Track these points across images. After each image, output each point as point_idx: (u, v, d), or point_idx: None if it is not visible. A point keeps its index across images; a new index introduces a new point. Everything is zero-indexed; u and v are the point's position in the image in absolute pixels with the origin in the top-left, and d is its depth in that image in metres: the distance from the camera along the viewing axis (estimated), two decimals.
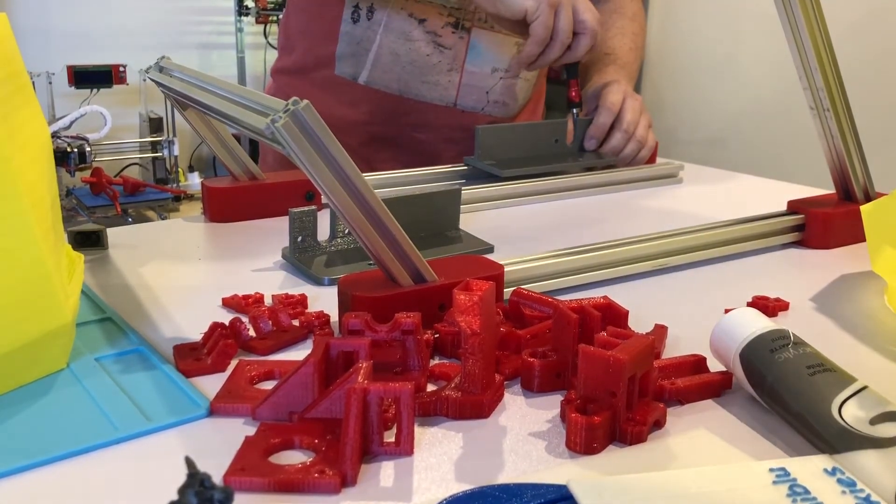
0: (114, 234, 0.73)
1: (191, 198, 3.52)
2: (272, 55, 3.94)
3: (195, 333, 0.53)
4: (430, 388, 0.47)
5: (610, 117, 0.99)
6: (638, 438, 0.42)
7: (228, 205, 0.79)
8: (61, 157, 2.76)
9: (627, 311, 0.53)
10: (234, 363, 0.49)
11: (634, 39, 1.12)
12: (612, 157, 0.99)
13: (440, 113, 1.02)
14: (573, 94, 1.00)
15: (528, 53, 0.91)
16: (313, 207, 0.67)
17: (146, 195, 3.08)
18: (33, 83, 0.57)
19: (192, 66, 0.66)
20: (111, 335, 0.53)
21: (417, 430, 0.43)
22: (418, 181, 0.91)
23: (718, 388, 0.47)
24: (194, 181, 3.69)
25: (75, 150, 2.77)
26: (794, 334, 0.45)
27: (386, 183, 0.89)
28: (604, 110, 0.99)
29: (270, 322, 0.54)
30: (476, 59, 1.00)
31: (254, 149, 2.84)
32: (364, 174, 0.50)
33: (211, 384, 0.47)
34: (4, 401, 0.45)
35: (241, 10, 3.80)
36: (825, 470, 0.38)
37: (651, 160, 1.03)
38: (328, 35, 1.00)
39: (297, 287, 0.62)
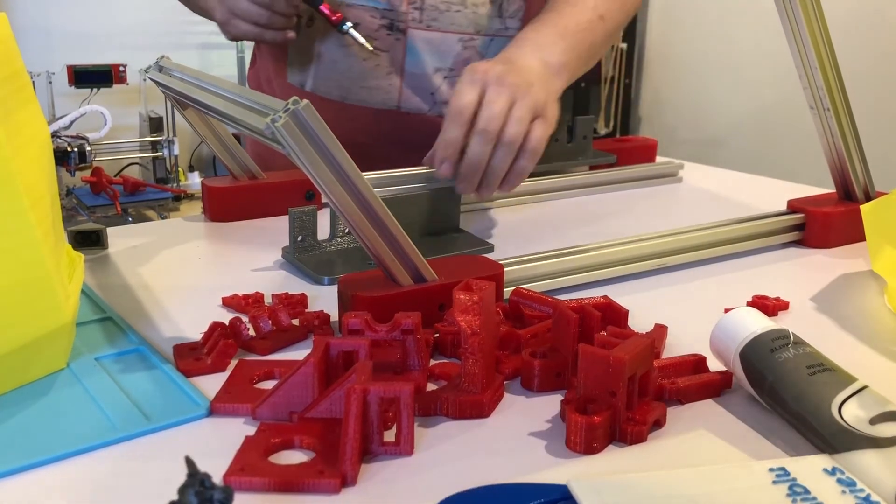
0: (114, 234, 0.73)
1: (191, 198, 3.52)
2: None
3: (195, 333, 0.53)
4: (430, 388, 0.47)
5: (458, 127, 0.69)
6: (638, 438, 0.42)
7: (228, 205, 0.79)
8: (61, 157, 2.76)
9: (627, 311, 0.53)
10: (234, 363, 0.50)
11: (596, 10, 0.86)
12: (466, 181, 0.70)
13: (384, 117, 0.98)
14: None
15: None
16: (313, 207, 0.67)
17: (146, 195, 3.07)
18: (33, 83, 0.57)
19: (192, 66, 0.66)
20: (111, 335, 0.53)
21: (417, 430, 0.43)
22: (418, 181, 0.91)
23: (718, 388, 0.47)
24: (194, 181, 3.68)
25: (75, 149, 2.77)
26: (794, 334, 0.45)
27: (386, 183, 0.89)
28: (448, 117, 0.70)
29: (270, 322, 0.54)
30: (415, 60, 0.95)
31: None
32: (364, 174, 0.50)
33: (211, 384, 0.47)
34: (4, 401, 0.45)
35: None
36: (825, 470, 0.38)
37: (651, 159, 1.03)
38: (282, 43, 0.97)
39: (297, 287, 0.62)
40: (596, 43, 0.87)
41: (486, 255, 0.60)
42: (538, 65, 0.77)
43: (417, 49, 0.94)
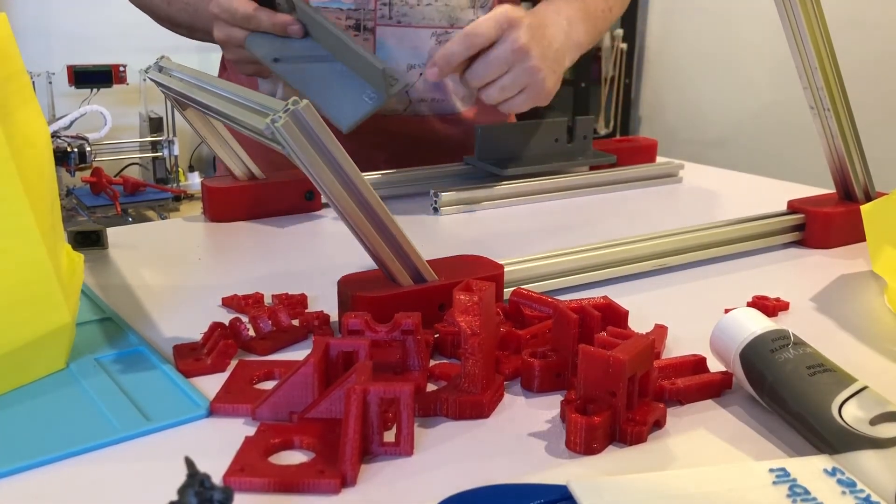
0: (114, 234, 0.73)
1: (191, 198, 3.52)
2: None
3: (195, 333, 0.53)
4: (430, 388, 0.47)
5: (465, 49, 0.78)
6: (638, 438, 0.42)
7: (228, 205, 0.79)
8: (61, 157, 2.75)
9: (627, 311, 0.53)
10: (234, 363, 0.50)
11: None
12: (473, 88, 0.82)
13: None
14: None
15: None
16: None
17: (146, 195, 3.07)
18: (33, 83, 0.57)
19: (191, 67, 0.66)
20: (111, 335, 0.53)
21: (417, 430, 0.43)
22: (418, 181, 0.91)
23: (718, 388, 0.47)
24: (194, 181, 3.68)
25: (75, 150, 2.76)
26: (794, 334, 0.45)
27: (386, 182, 0.89)
28: (462, 34, 0.78)
29: (270, 322, 0.54)
30: (386, 57, 0.93)
31: None
32: (364, 174, 0.50)
33: (211, 384, 0.47)
34: (4, 401, 0.45)
35: None
36: (825, 470, 0.38)
37: (651, 159, 1.03)
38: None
39: (297, 287, 0.62)
40: (601, 32, 0.94)
41: (485, 255, 0.60)
42: (563, 38, 0.84)
43: (389, 46, 0.93)
